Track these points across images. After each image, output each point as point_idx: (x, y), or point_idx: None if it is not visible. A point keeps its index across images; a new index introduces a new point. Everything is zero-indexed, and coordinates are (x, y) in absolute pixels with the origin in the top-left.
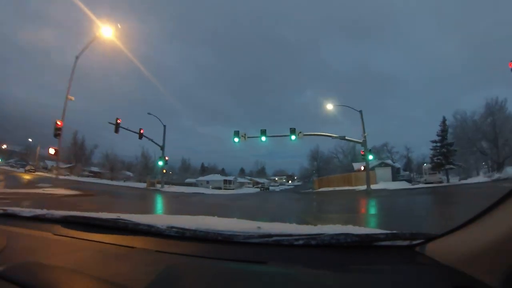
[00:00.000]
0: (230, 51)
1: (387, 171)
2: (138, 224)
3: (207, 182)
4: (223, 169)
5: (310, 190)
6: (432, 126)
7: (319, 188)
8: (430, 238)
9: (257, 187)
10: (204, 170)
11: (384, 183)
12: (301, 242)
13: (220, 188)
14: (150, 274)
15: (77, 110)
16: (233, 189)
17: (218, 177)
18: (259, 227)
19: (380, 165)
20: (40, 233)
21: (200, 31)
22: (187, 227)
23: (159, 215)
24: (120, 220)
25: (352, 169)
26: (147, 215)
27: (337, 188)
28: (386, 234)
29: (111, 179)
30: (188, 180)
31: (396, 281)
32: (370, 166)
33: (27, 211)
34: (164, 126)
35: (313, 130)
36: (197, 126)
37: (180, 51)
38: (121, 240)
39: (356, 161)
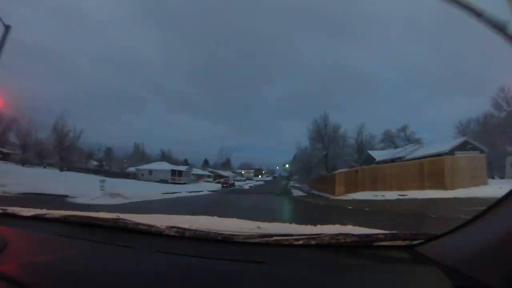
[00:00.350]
0: (201, 39)
1: (482, 161)
2: (138, 224)
3: (150, 172)
4: (185, 160)
5: (309, 192)
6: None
7: (346, 192)
8: (430, 238)
9: (219, 182)
10: (165, 159)
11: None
12: (301, 242)
13: (166, 182)
14: (151, 274)
15: None
16: (183, 183)
17: (164, 165)
18: (259, 227)
19: (464, 146)
20: (40, 233)
21: (169, 13)
22: (187, 227)
23: (159, 215)
24: (120, 220)
25: (370, 160)
26: (147, 215)
27: (415, 195)
28: (386, 234)
29: (23, 163)
30: (130, 169)
31: (396, 281)
32: (443, 148)
33: (26, 211)
34: (7, 27)
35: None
36: (166, 114)
37: (147, 33)
38: (121, 240)
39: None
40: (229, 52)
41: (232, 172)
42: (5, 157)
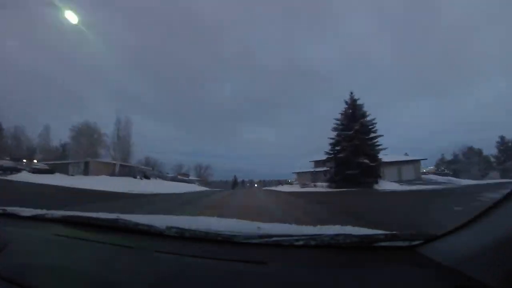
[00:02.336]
0: (148, 31)
1: None
2: (138, 224)
3: None
4: None
5: None
6: None
7: None
8: (429, 239)
9: None
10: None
11: None
12: (301, 242)
13: None
14: (150, 274)
15: None
16: None
17: None
18: (259, 228)
19: None
20: (40, 233)
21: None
22: (186, 227)
23: (159, 215)
24: (119, 220)
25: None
26: (146, 215)
27: None
28: (386, 234)
29: None
30: None
31: (396, 281)
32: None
33: (27, 211)
34: None
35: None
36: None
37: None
38: (120, 240)
39: None
40: (178, 46)
41: None
42: None
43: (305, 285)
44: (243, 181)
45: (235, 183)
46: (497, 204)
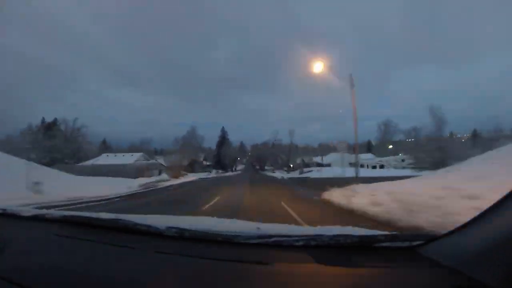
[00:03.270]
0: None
1: None
2: (138, 224)
3: None
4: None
5: None
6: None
7: None
8: (430, 239)
9: None
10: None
11: None
12: (301, 243)
13: None
14: (149, 274)
15: None
16: None
17: None
18: (258, 228)
19: None
20: (40, 233)
21: None
22: (186, 227)
23: (159, 215)
24: (119, 220)
25: None
26: (146, 216)
27: None
28: (386, 235)
29: None
30: None
31: (396, 282)
32: None
33: (27, 211)
34: None
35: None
36: (107, 90)
37: None
38: (120, 240)
39: None
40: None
41: None
42: None
43: (305, 285)
44: (241, 144)
45: (221, 146)
46: (497, 204)
